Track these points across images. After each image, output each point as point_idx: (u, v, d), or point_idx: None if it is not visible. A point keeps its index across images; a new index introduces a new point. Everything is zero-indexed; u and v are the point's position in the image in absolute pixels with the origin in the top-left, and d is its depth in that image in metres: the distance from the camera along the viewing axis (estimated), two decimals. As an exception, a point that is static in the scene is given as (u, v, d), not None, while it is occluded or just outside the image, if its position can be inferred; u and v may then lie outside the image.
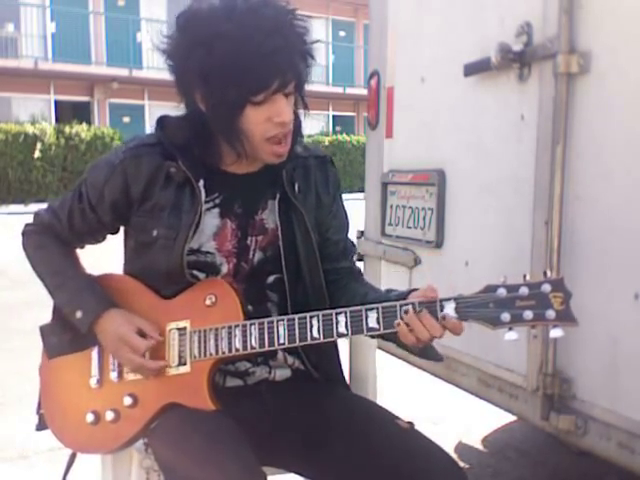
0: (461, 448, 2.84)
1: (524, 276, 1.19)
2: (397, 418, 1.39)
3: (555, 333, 1.17)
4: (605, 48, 1.58)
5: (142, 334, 1.38)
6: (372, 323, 1.23)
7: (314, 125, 20.98)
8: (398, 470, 1.28)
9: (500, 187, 1.90)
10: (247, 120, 1.30)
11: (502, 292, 1.18)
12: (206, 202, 1.41)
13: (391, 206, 2.46)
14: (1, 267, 7.06)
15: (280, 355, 1.49)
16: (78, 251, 1.58)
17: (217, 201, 1.43)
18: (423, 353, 1.31)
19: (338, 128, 22.81)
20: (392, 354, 2.41)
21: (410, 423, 1.37)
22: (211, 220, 1.42)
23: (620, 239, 1.54)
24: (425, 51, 2.26)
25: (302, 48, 1.31)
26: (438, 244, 2.17)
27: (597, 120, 1.60)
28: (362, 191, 2.71)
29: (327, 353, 1.52)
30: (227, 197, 1.43)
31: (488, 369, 1.95)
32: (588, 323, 1.57)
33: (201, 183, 1.41)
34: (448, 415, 3.13)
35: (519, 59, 1.78)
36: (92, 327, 1.41)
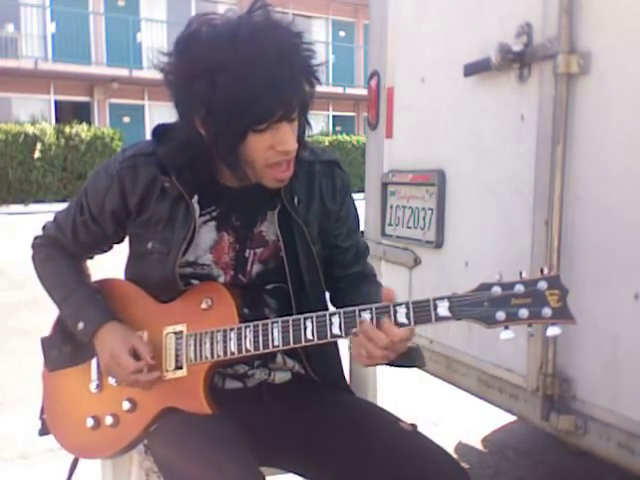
0: (461, 448, 2.83)
1: (520, 273, 1.17)
2: (400, 420, 1.39)
3: (552, 331, 1.15)
4: (605, 48, 1.58)
5: (136, 354, 1.37)
6: None
7: (314, 125, 20.98)
8: (401, 473, 1.27)
9: (500, 187, 1.90)
10: (249, 147, 1.25)
11: (497, 290, 1.15)
12: (202, 215, 1.40)
13: (391, 206, 2.46)
14: (0, 267, 7.06)
15: (279, 359, 1.48)
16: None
17: (214, 214, 1.41)
18: (404, 360, 1.28)
19: (338, 128, 22.80)
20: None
21: (413, 425, 1.37)
22: (207, 234, 1.41)
23: (620, 239, 1.54)
24: (425, 51, 2.25)
25: (308, 74, 1.26)
26: (438, 244, 2.16)
27: (597, 120, 1.59)
28: (362, 191, 2.70)
29: (329, 357, 1.51)
30: (224, 210, 1.42)
31: (488, 369, 1.95)
32: (588, 323, 1.57)
33: (195, 199, 1.39)
34: (448, 415, 3.13)
35: (519, 59, 1.77)
36: (92, 338, 1.41)
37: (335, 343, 1.51)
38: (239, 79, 1.18)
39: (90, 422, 1.43)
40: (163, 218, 1.39)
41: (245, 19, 1.23)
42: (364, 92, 2.70)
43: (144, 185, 1.39)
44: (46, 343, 1.55)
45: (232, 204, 1.42)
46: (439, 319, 1.18)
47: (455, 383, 2.14)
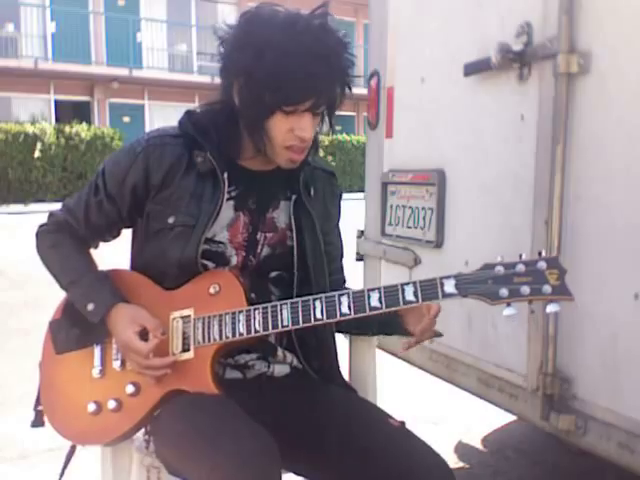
0: (461, 448, 2.83)
1: (520, 255, 1.24)
2: (389, 417, 1.41)
3: (551, 308, 1.21)
4: (605, 48, 1.58)
5: (145, 333, 1.38)
6: (374, 302, 1.27)
7: (314, 125, 20.92)
8: (386, 468, 1.30)
9: (500, 187, 1.91)
10: (273, 124, 1.36)
11: (500, 269, 1.23)
12: None
13: (391, 206, 2.46)
14: (0, 267, 7.06)
15: (280, 353, 1.50)
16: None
17: (233, 194, 1.47)
18: None
19: (338, 128, 22.81)
20: (392, 354, 2.41)
21: (402, 422, 1.39)
22: (226, 211, 1.45)
23: (620, 239, 1.54)
24: (425, 51, 2.26)
25: (343, 79, 1.39)
26: (438, 244, 2.17)
27: (597, 120, 1.60)
28: (362, 191, 2.70)
29: (325, 352, 1.53)
30: (243, 191, 1.47)
31: (488, 369, 1.95)
32: (588, 323, 1.57)
33: (225, 175, 1.44)
34: (448, 415, 3.13)
35: (519, 59, 1.78)
36: (104, 319, 1.42)
37: (333, 339, 1.54)
38: (284, 61, 1.29)
39: (92, 407, 1.43)
40: (187, 193, 1.43)
41: (306, 16, 1.36)
42: (364, 92, 2.70)
43: (170, 161, 1.44)
44: (54, 326, 1.55)
45: (251, 186, 1.48)
46: (446, 296, 1.24)
47: (455, 383, 2.14)
